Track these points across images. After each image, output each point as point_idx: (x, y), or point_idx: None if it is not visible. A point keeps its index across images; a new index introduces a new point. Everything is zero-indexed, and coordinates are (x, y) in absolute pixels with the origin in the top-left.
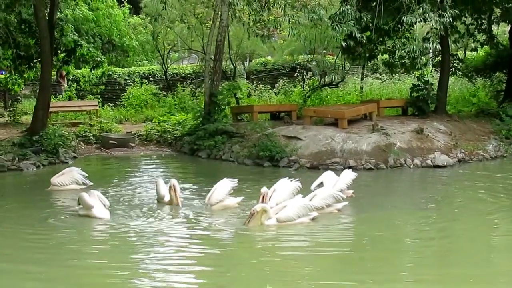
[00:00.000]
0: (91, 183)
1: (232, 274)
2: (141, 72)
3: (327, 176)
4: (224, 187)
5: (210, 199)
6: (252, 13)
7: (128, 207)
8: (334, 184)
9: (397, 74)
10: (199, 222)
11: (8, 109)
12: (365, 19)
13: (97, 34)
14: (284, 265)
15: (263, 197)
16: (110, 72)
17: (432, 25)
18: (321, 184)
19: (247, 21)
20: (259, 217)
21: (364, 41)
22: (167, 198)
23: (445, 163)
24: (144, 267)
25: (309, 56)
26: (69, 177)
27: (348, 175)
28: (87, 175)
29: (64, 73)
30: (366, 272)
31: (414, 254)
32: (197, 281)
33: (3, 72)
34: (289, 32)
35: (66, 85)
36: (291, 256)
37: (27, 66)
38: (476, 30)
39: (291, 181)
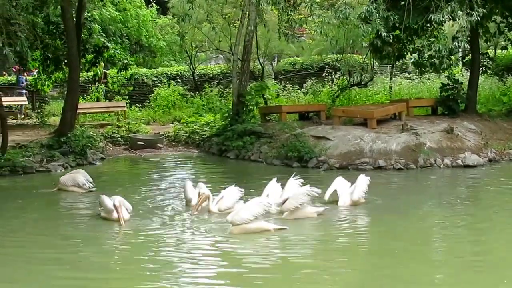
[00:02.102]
0: (94, 188)
1: None
2: (169, 73)
3: (340, 183)
4: (232, 195)
5: (218, 206)
6: (280, 12)
7: (153, 212)
8: (351, 192)
9: (426, 74)
10: (221, 230)
11: (36, 111)
12: (392, 19)
13: (125, 34)
14: (315, 278)
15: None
16: (137, 76)
17: (461, 24)
18: (334, 192)
19: (274, 21)
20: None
21: (391, 40)
22: (194, 202)
23: (476, 163)
24: (166, 282)
25: (338, 55)
26: (72, 178)
27: (363, 181)
28: (91, 179)
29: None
30: (399, 280)
31: (446, 255)
32: None
33: (32, 74)
34: (316, 31)
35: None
36: (322, 266)
37: (55, 67)
38: (507, 28)
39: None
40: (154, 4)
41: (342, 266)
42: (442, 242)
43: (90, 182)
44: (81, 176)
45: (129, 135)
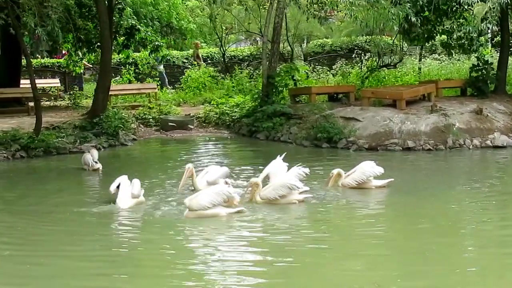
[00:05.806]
0: (99, 167)
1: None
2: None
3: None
4: (216, 171)
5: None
6: None
7: (177, 197)
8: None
9: (456, 55)
10: (247, 217)
11: (68, 93)
12: (421, 2)
13: (156, 17)
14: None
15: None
16: (168, 57)
17: (490, 5)
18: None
19: (303, 3)
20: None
21: (419, 24)
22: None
23: (505, 144)
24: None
25: (367, 37)
26: (84, 157)
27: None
28: (96, 159)
29: (199, 53)
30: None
31: (472, 240)
32: None
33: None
34: (346, 13)
35: (203, 63)
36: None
37: (87, 50)
38: None
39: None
40: None
41: (371, 248)
42: (471, 224)
43: (95, 162)
44: (88, 155)
45: (160, 116)
